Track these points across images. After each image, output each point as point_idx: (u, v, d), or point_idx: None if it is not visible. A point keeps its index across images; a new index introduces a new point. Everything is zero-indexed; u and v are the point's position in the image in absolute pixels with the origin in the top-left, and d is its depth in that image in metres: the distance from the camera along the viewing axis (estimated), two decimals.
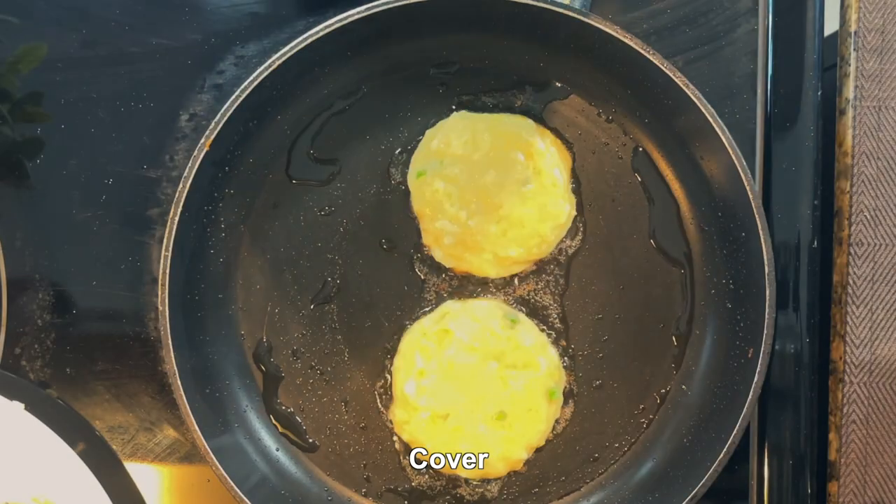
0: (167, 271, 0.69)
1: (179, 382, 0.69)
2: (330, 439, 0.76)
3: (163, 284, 0.69)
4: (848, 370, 0.74)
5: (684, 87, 0.69)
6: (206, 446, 0.69)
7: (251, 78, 0.68)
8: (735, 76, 0.77)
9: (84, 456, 0.71)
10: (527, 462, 0.75)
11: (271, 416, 0.76)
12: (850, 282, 0.74)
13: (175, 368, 0.69)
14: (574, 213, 0.76)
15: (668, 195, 0.77)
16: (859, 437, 0.74)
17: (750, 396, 0.69)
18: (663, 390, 0.76)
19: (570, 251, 0.77)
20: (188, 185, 0.69)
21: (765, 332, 0.69)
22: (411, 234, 0.77)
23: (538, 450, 0.75)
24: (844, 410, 0.74)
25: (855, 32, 0.75)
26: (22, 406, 0.72)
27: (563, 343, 0.76)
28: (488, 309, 0.74)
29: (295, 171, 0.77)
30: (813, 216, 0.76)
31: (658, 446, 0.75)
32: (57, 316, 0.76)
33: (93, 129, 0.77)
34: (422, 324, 0.75)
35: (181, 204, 0.69)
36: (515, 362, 0.72)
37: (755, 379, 0.69)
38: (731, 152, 0.69)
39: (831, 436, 0.75)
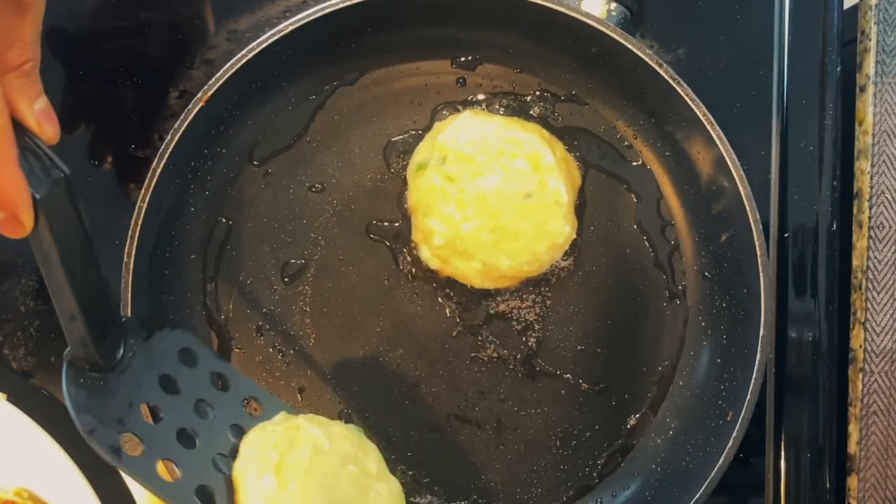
0: (139, 223, 0.66)
1: None
2: None
3: (132, 235, 0.66)
4: (868, 359, 0.72)
5: (709, 127, 0.66)
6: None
7: (260, 39, 0.66)
8: (750, 51, 0.74)
9: (68, 448, 0.69)
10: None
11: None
12: (871, 266, 0.72)
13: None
14: (574, 235, 0.73)
15: (675, 234, 0.74)
16: (880, 429, 0.72)
17: (720, 461, 0.67)
18: (634, 438, 0.74)
19: (563, 274, 0.74)
20: (177, 138, 0.66)
21: (748, 397, 0.67)
22: (401, 227, 0.74)
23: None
24: (865, 401, 0.72)
25: (876, 5, 0.73)
26: (4, 397, 0.70)
27: (537, 367, 0.74)
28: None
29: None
30: (832, 198, 0.73)
31: (619, 495, 0.74)
32: (41, 302, 0.74)
33: (79, 107, 0.74)
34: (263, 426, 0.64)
35: (166, 157, 0.66)
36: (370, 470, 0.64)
37: (729, 444, 0.67)
38: (747, 206, 0.67)
39: (851, 427, 0.73)
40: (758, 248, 0.67)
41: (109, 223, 0.73)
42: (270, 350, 0.74)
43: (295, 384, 0.74)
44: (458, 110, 0.74)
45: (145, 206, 0.66)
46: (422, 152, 0.73)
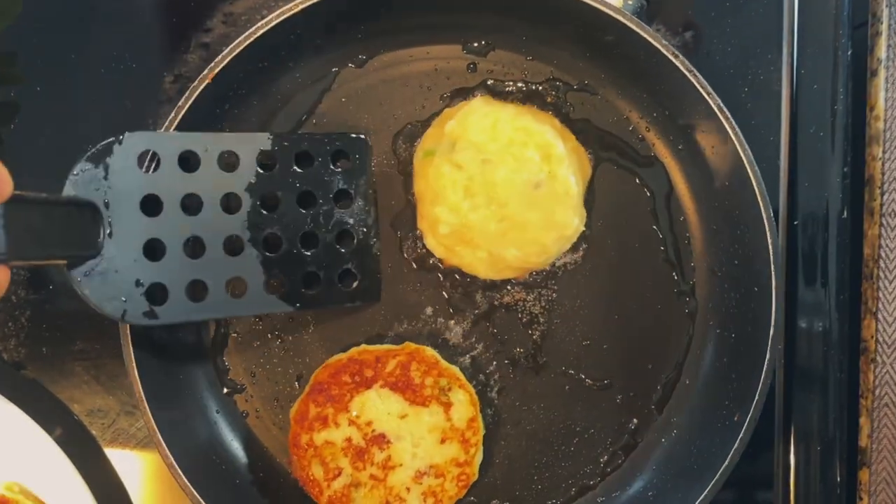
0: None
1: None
2: (275, 411, 0.73)
3: None
4: (880, 349, 0.71)
5: (725, 122, 0.66)
6: (142, 391, 0.65)
7: (269, 17, 0.65)
8: (759, 34, 0.73)
9: (61, 441, 0.69)
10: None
11: (218, 375, 0.73)
12: (883, 255, 0.71)
13: None
14: (582, 227, 0.71)
15: (685, 229, 0.73)
16: (892, 422, 0.71)
17: (725, 464, 0.66)
18: (638, 437, 0.73)
19: (571, 267, 0.73)
20: (180, 116, 0.65)
21: (756, 398, 0.66)
22: (406, 214, 0.73)
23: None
24: (876, 393, 0.71)
25: None
26: None
27: (540, 361, 0.73)
28: None
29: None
30: (842, 184, 0.72)
31: (620, 494, 0.72)
32: (32, 292, 0.74)
33: (71, 92, 0.73)
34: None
35: None
36: None
37: (735, 446, 0.66)
38: (761, 205, 0.66)
39: (862, 420, 0.72)
40: (770, 247, 0.65)
41: None
42: (269, 336, 0.73)
43: (293, 371, 0.73)
44: (469, 97, 0.73)
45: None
46: (430, 138, 0.72)
